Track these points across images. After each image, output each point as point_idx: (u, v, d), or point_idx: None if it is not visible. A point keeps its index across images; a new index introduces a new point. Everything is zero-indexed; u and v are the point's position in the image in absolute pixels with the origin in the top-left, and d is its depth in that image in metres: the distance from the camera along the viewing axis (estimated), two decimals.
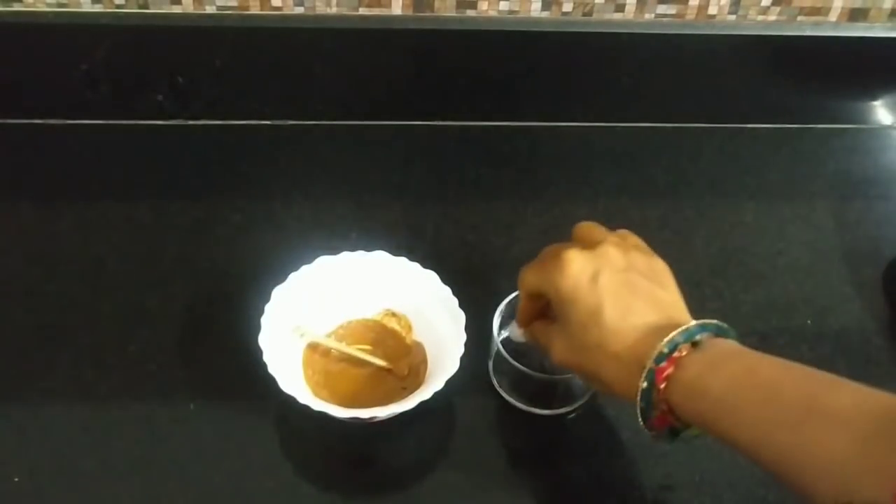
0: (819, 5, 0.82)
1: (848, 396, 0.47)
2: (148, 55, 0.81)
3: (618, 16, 0.82)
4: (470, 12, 0.81)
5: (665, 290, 0.57)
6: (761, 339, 0.72)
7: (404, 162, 0.85)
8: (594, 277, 0.56)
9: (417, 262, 0.68)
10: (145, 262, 0.75)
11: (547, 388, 0.66)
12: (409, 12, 0.81)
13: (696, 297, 0.73)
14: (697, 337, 0.53)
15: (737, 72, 0.86)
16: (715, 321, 0.54)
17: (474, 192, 0.82)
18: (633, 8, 0.82)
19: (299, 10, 0.80)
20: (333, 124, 0.86)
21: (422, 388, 0.63)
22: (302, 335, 0.67)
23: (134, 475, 0.62)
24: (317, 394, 0.64)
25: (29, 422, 0.65)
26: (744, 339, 0.55)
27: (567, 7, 0.81)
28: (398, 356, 0.67)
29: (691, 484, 0.63)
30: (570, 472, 0.65)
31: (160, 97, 0.84)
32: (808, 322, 0.74)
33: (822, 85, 0.87)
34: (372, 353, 0.67)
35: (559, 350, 0.58)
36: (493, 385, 0.68)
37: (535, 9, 0.81)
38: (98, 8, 0.79)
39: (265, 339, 0.62)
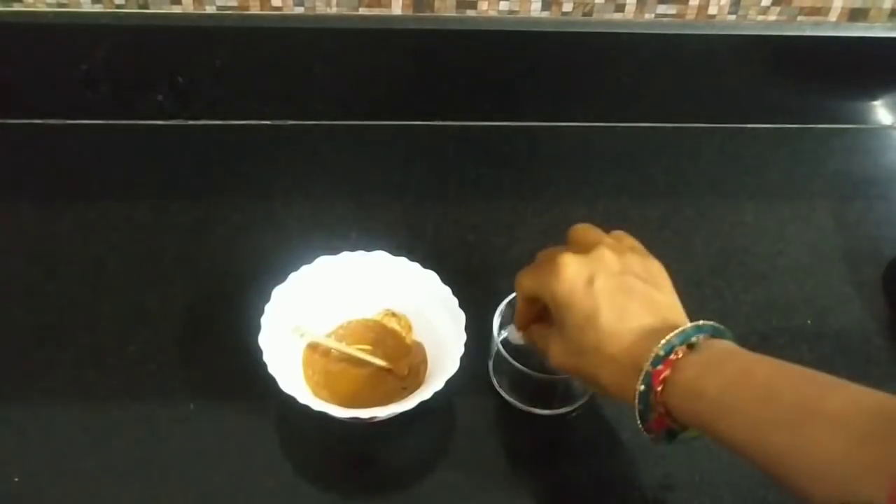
0: (819, 5, 0.82)
1: (844, 397, 0.47)
2: (148, 55, 0.81)
3: (618, 16, 0.82)
4: (470, 12, 0.81)
5: (661, 291, 0.57)
6: (761, 339, 0.72)
7: (404, 162, 0.85)
8: (589, 281, 0.56)
9: (417, 262, 0.68)
10: (145, 262, 0.75)
11: (547, 388, 0.66)
12: (409, 12, 0.81)
13: (696, 297, 0.74)
14: (693, 339, 0.53)
15: (737, 72, 0.86)
16: (711, 322, 0.54)
17: (474, 192, 0.82)
18: (633, 8, 0.82)
19: (299, 10, 0.80)
20: (333, 124, 0.86)
21: (422, 388, 0.63)
22: (302, 335, 0.67)
23: (134, 475, 0.62)
24: (317, 394, 0.64)
25: (29, 422, 0.65)
26: (744, 339, 0.55)
27: (567, 7, 0.81)
28: (398, 356, 0.67)
29: (691, 484, 0.63)
30: (570, 472, 0.65)
31: (160, 97, 0.84)
32: (808, 322, 0.74)
33: (822, 85, 0.87)
34: (372, 353, 0.67)
35: (556, 353, 0.58)
36: (493, 385, 0.68)
37: (535, 9, 0.81)
38: (98, 8, 0.79)
39: (265, 339, 0.62)
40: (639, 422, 0.54)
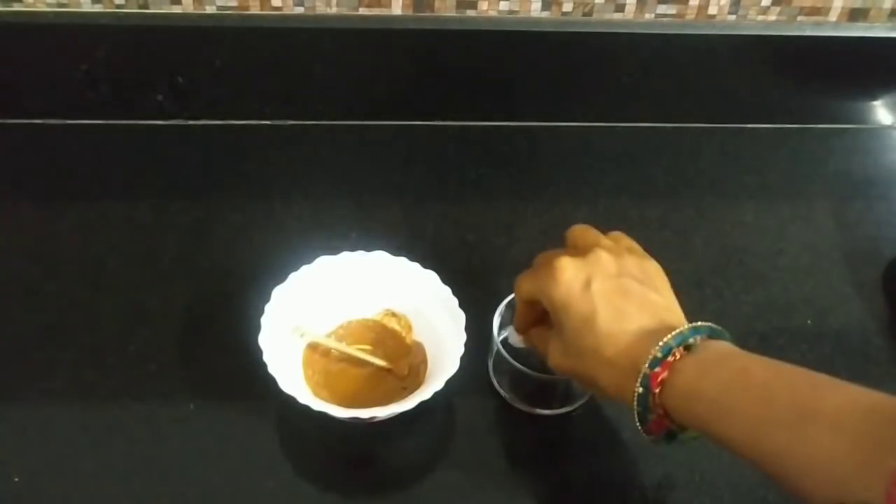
0: (819, 5, 0.82)
1: (840, 397, 0.47)
2: (148, 55, 0.81)
3: (618, 16, 0.82)
4: (470, 12, 0.81)
5: (658, 293, 0.57)
6: (761, 339, 0.72)
7: (404, 162, 0.85)
8: (586, 284, 0.56)
9: (417, 262, 0.68)
10: (145, 262, 0.75)
11: (547, 388, 0.66)
12: (409, 12, 0.81)
13: (696, 297, 0.74)
14: (691, 340, 0.53)
15: (737, 72, 0.86)
16: (708, 323, 0.54)
17: (474, 192, 0.82)
18: (633, 8, 0.82)
19: (299, 10, 0.80)
20: (333, 124, 0.86)
21: (422, 388, 0.63)
22: (302, 335, 0.67)
23: (134, 475, 0.62)
24: (317, 394, 0.64)
25: (29, 422, 0.65)
26: (744, 339, 0.55)
27: (567, 7, 0.81)
28: (398, 356, 0.67)
29: (691, 484, 0.63)
30: (570, 472, 0.65)
31: (160, 97, 0.84)
32: (808, 322, 0.74)
33: (822, 85, 0.87)
34: (372, 353, 0.67)
35: (555, 356, 0.58)
36: (493, 385, 0.68)
37: (535, 9, 0.81)
38: (98, 8, 0.79)
39: (265, 339, 0.62)
40: (638, 424, 0.54)
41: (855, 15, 0.83)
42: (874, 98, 0.89)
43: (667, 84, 0.86)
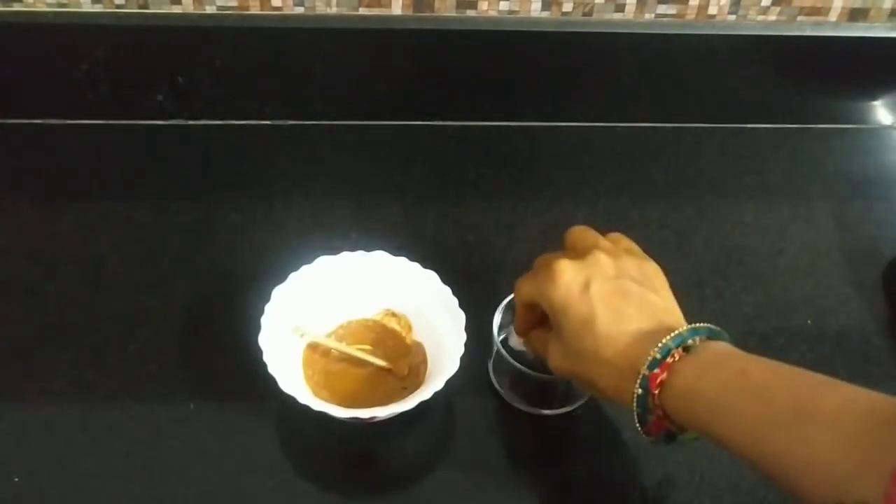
0: (819, 5, 0.82)
1: (838, 397, 0.47)
2: (148, 55, 0.81)
3: (618, 16, 0.82)
4: (470, 12, 0.81)
5: (657, 294, 0.57)
6: (761, 339, 0.72)
7: (404, 162, 0.85)
8: (585, 286, 0.56)
9: (417, 262, 0.68)
10: (145, 262, 0.75)
11: (547, 388, 0.66)
12: (409, 12, 0.81)
13: (696, 297, 0.74)
14: (689, 341, 0.53)
15: (737, 72, 0.86)
16: (707, 324, 0.54)
17: (474, 192, 0.82)
18: (633, 8, 0.82)
19: (299, 10, 0.80)
20: (333, 124, 0.86)
21: (422, 388, 0.63)
22: (302, 335, 0.67)
23: (134, 475, 0.62)
24: (317, 394, 0.64)
25: (29, 422, 0.65)
26: (744, 339, 0.55)
27: (567, 7, 0.81)
28: (398, 356, 0.67)
29: (691, 484, 0.63)
30: (570, 472, 0.65)
31: (160, 97, 0.84)
32: (808, 322, 0.74)
33: (822, 85, 0.87)
34: (372, 353, 0.67)
35: (555, 358, 0.58)
36: (493, 385, 0.68)
37: (535, 9, 0.81)
38: (98, 8, 0.79)
39: (265, 339, 0.62)
40: (637, 425, 0.54)
41: (855, 15, 0.83)
42: (874, 98, 0.89)
43: (667, 84, 0.86)
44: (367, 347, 0.68)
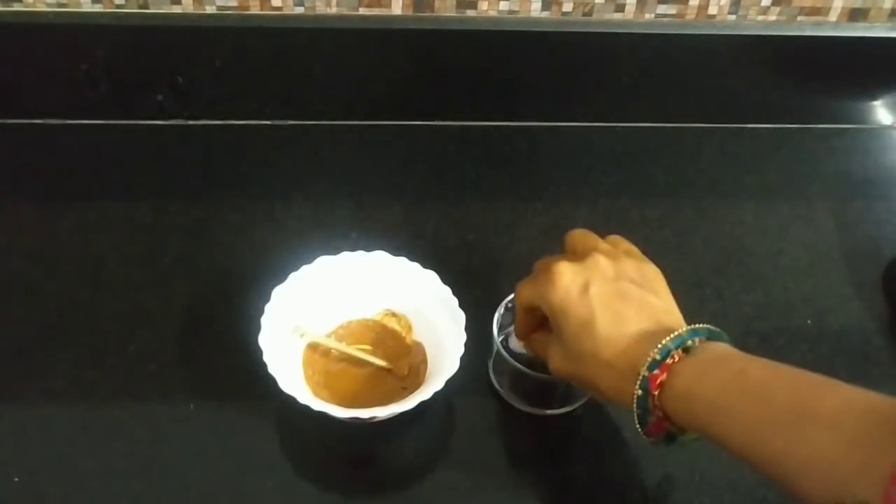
0: (819, 5, 0.82)
1: (837, 398, 0.47)
2: (148, 55, 0.81)
3: (618, 16, 0.82)
4: (470, 12, 0.81)
5: (656, 295, 0.57)
6: (761, 339, 0.72)
7: (404, 162, 0.85)
8: (584, 288, 0.56)
9: (417, 262, 0.68)
10: (145, 262, 0.75)
11: (547, 388, 0.66)
12: (409, 12, 0.81)
13: (696, 297, 0.74)
14: (689, 342, 0.53)
15: (737, 72, 0.86)
16: (706, 325, 0.54)
17: (474, 192, 0.82)
18: (633, 8, 0.82)
19: (299, 10, 0.80)
20: (333, 124, 0.86)
21: (422, 388, 0.63)
22: (302, 335, 0.67)
23: (134, 475, 0.62)
24: (317, 394, 0.64)
25: (29, 422, 0.65)
26: (744, 339, 0.55)
27: (567, 7, 0.81)
28: (398, 356, 0.67)
29: (691, 484, 0.63)
30: (570, 472, 0.65)
31: (160, 97, 0.84)
32: (808, 322, 0.74)
33: (822, 85, 0.87)
34: (372, 353, 0.67)
35: (556, 360, 0.58)
36: (493, 385, 0.68)
37: (535, 9, 0.81)
38: (98, 8, 0.79)
39: (265, 339, 0.62)
40: (638, 426, 0.54)
41: (855, 15, 0.83)
42: (874, 98, 0.89)
43: (667, 84, 0.86)
44: (367, 347, 0.68)
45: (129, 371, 0.68)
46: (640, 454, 0.64)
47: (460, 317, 0.64)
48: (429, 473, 0.64)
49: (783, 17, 0.83)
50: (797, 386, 0.49)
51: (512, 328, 0.65)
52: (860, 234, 0.81)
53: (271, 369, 0.60)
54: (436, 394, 0.60)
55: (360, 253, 0.68)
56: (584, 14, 0.82)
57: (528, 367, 0.63)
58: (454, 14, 0.81)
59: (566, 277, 0.57)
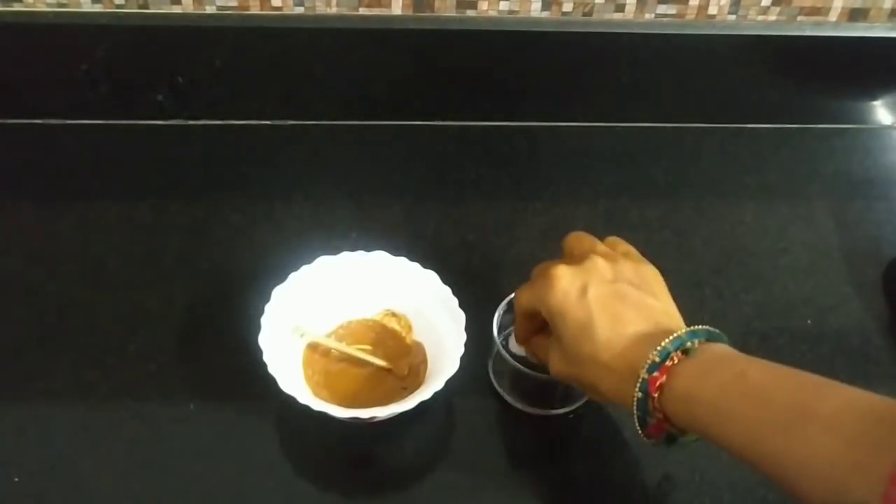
0: (819, 5, 0.82)
1: (836, 399, 0.47)
2: (148, 55, 0.81)
3: (618, 16, 0.82)
4: (470, 12, 0.81)
5: (655, 297, 0.57)
6: (761, 339, 0.72)
7: (404, 162, 0.85)
8: (583, 291, 0.56)
9: (417, 262, 0.68)
10: (145, 262, 0.75)
11: (547, 388, 0.66)
12: (409, 12, 0.81)
13: (696, 297, 0.74)
14: (688, 344, 0.53)
15: (737, 72, 0.86)
16: (706, 327, 0.54)
17: (474, 192, 0.82)
18: (633, 8, 0.82)
19: (299, 10, 0.81)
20: (333, 124, 0.86)
21: (422, 388, 0.63)
22: (302, 335, 0.67)
23: (134, 475, 0.62)
24: (317, 394, 0.64)
25: (29, 422, 0.65)
26: (744, 339, 0.55)
27: (567, 7, 0.81)
28: (398, 356, 0.67)
29: (691, 484, 0.63)
30: (570, 472, 0.65)
31: (160, 97, 0.84)
32: (808, 322, 0.74)
33: (822, 85, 0.87)
34: (372, 353, 0.67)
35: (556, 363, 0.58)
36: (493, 385, 0.68)
37: (535, 9, 0.81)
38: (98, 8, 0.79)
39: (265, 339, 0.62)
40: (638, 428, 0.54)
41: (855, 15, 0.83)
42: (874, 98, 0.89)
43: (667, 84, 0.86)
44: (367, 347, 0.68)
45: (129, 371, 0.68)
46: (641, 454, 0.64)
47: (460, 317, 0.64)
48: (429, 473, 0.64)
49: (783, 17, 0.83)
50: (796, 387, 0.49)
51: (512, 328, 0.65)
52: (860, 234, 0.81)
53: (271, 369, 0.60)
54: (436, 394, 0.60)
55: (360, 253, 0.68)
56: (584, 14, 0.82)
57: (528, 367, 0.63)
58: (454, 14, 0.81)
59: (564, 280, 0.57)
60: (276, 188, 0.81)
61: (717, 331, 0.55)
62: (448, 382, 0.60)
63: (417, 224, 0.79)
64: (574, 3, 0.81)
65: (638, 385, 0.53)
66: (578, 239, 0.61)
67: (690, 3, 0.81)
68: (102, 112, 0.84)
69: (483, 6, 0.81)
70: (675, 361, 0.52)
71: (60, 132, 0.84)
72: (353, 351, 0.67)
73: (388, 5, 0.80)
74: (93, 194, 0.80)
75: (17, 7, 0.79)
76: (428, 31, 0.82)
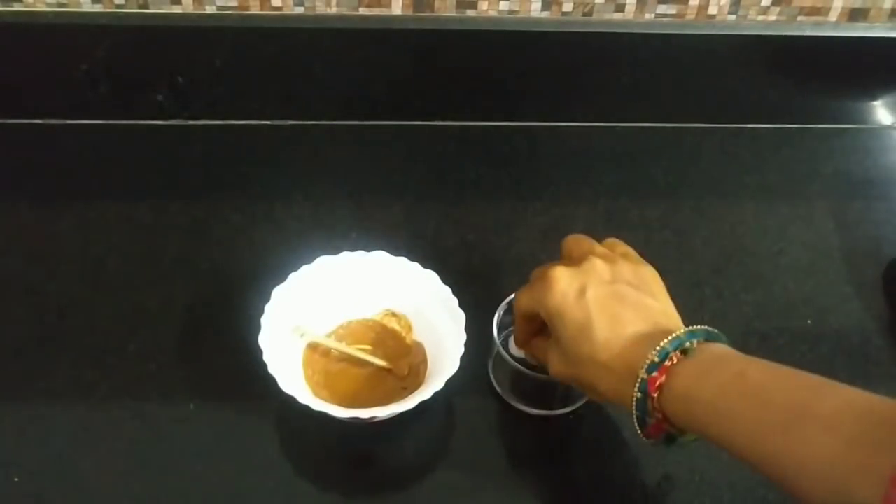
0: (819, 5, 0.82)
1: (836, 399, 0.47)
2: (148, 55, 0.81)
3: (618, 16, 0.82)
4: (470, 12, 0.81)
5: (654, 298, 0.57)
6: (761, 339, 0.72)
7: (404, 162, 0.85)
8: (581, 292, 0.56)
9: (417, 262, 0.68)
10: (145, 262, 0.75)
11: (547, 389, 0.66)
12: (409, 12, 0.81)
13: (696, 297, 0.74)
14: (687, 344, 0.53)
15: (737, 72, 0.86)
16: (704, 327, 0.55)
17: (474, 192, 0.83)
18: (633, 8, 0.82)
19: (299, 10, 0.81)
20: (333, 124, 0.86)
21: (422, 388, 0.63)
22: (302, 335, 0.67)
23: (134, 475, 0.62)
24: (317, 394, 0.64)
25: (29, 422, 0.65)
26: (744, 339, 0.55)
27: (567, 7, 0.81)
28: (398, 356, 0.67)
29: (691, 484, 0.63)
30: (569, 472, 0.65)
31: (160, 97, 0.84)
32: (808, 322, 0.74)
33: (822, 85, 0.87)
34: (372, 353, 0.67)
35: (555, 364, 0.58)
36: (493, 385, 0.68)
37: (535, 9, 0.81)
38: (98, 8, 0.79)
39: (265, 339, 0.62)
40: (637, 428, 0.54)
41: (855, 15, 0.83)
42: (874, 98, 0.89)
43: (667, 84, 0.86)
44: (367, 347, 0.68)
45: (129, 371, 0.68)
46: (640, 454, 0.64)
47: (460, 317, 0.64)
48: (429, 473, 0.64)
49: (783, 17, 0.83)
50: (796, 387, 0.49)
51: (512, 328, 0.65)
52: (860, 234, 0.81)
53: (271, 369, 0.60)
54: (436, 394, 0.60)
55: (360, 253, 0.68)
56: (584, 14, 0.82)
57: (528, 367, 0.63)
58: (454, 14, 0.81)
59: (563, 282, 0.57)
60: (276, 188, 0.81)
61: (716, 331, 0.55)
62: (448, 382, 0.60)
63: (417, 224, 0.79)
64: (574, 3, 0.81)
65: (637, 385, 0.53)
66: (577, 241, 0.62)
67: (690, 3, 0.81)
68: (102, 112, 0.84)
69: (483, 6, 0.81)
70: (674, 361, 0.53)
71: (60, 132, 0.84)
72: (353, 351, 0.67)
73: (388, 5, 0.80)
74: (93, 194, 0.80)
75: (17, 7, 0.79)
76: (428, 31, 0.82)
